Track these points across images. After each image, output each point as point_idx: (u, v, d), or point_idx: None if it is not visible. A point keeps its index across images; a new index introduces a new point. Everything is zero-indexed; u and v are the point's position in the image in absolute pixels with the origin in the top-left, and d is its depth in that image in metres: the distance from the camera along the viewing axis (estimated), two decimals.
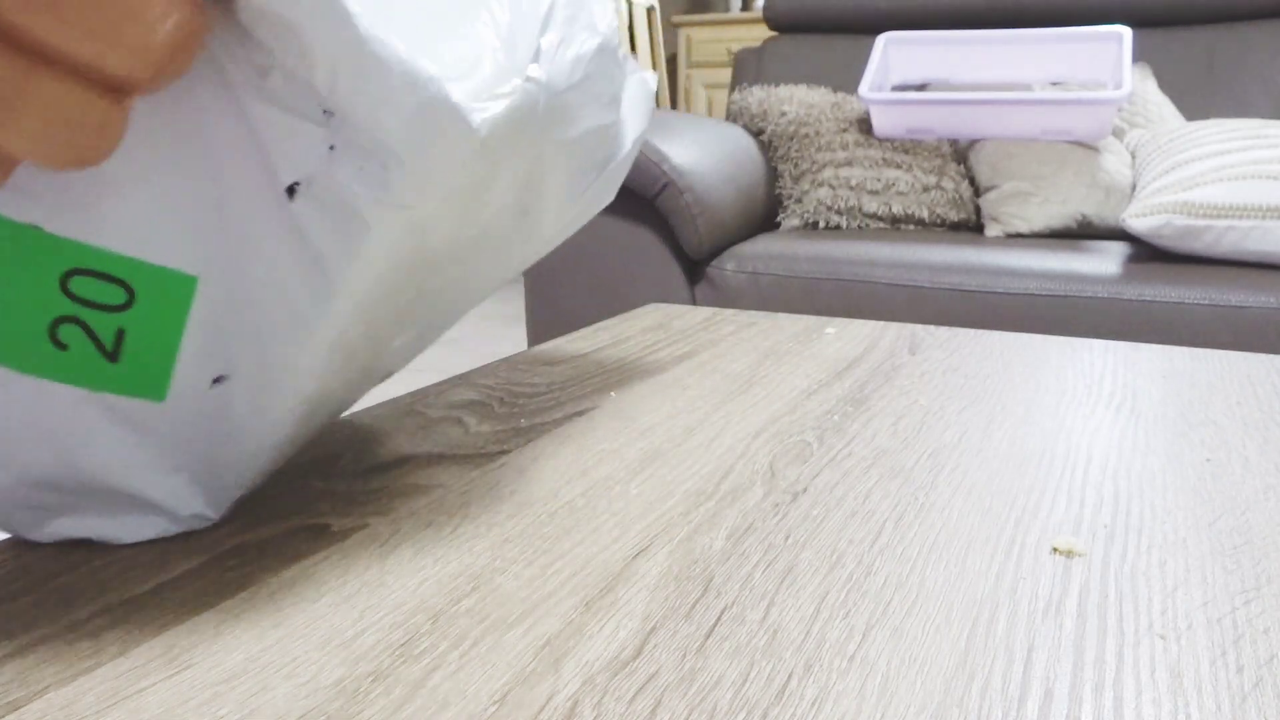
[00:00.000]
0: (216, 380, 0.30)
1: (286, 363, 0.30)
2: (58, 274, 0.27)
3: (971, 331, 0.63)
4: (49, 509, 0.30)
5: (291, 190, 0.27)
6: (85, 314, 0.28)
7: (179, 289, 0.28)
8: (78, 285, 0.27)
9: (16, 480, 0.29)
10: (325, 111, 0.27)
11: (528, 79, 0.31)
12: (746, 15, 3.80)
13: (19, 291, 0.27)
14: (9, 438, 0.29)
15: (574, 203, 0.39)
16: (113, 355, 0.28)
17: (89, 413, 0.29)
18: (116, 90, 0.23)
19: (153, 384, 0.29)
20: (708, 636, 0.25)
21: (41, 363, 0.28)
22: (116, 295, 0.28)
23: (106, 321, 0.28)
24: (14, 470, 0.29)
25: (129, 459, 0.30)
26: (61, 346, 0.28)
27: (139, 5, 0.22)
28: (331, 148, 0.27)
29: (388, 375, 0.37)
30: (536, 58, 0.32)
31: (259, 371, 0.30)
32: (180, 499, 0.31)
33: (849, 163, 1.71)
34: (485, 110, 0.29)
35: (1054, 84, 1.74)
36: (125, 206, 0.27)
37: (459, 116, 0.28)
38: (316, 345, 0.29)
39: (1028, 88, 1.73)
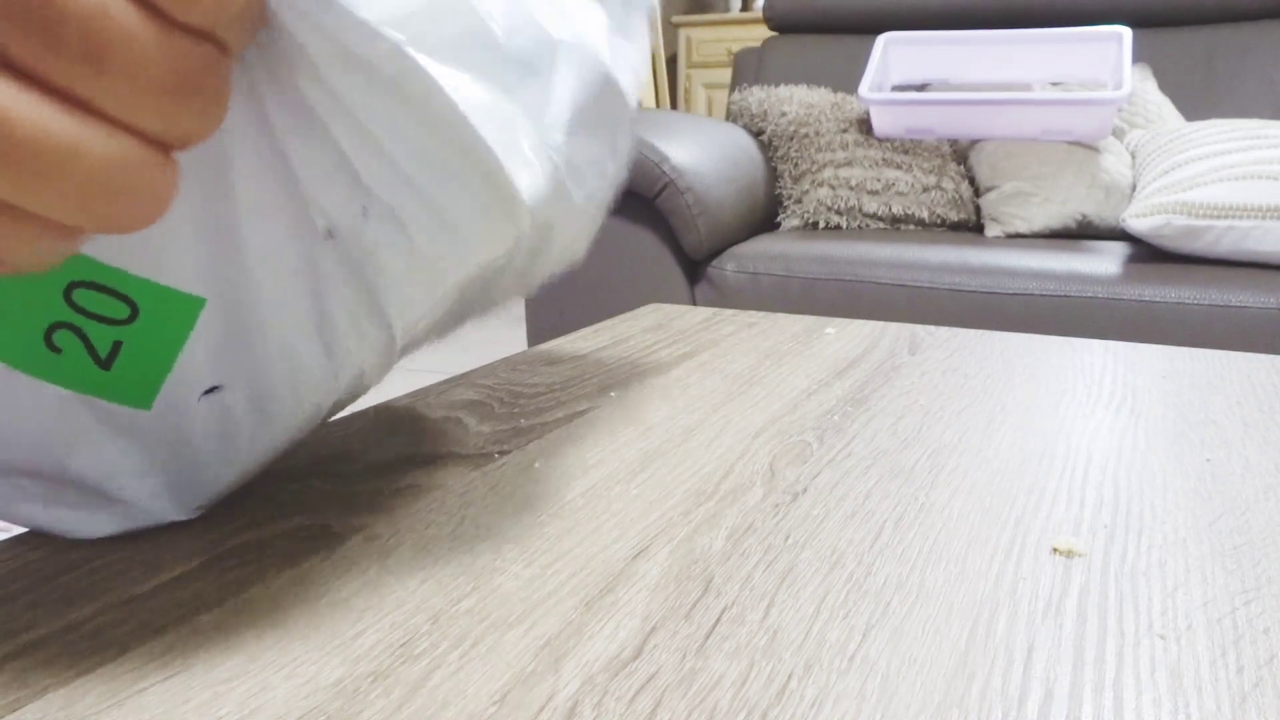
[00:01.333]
0: (208, 391, 0.30)
1: (284, 385, 0.30)
2: (62, 285, 0.27)
3: (971, 331, 0.63)
4: (22, 492, 0.30)
5: (329, 232, 0.28)
6: (84, 324, 0.28)
7: (185, 309, 0.28)
8: (81, 297, 0.27)
9: None
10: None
11: (553, 150, 0.29)
12: (746, 15, 3.80)
13: (20, 295, 0.27)
14: None
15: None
16: (105, 364, 0.28)
17: (78, 411, 0.29)
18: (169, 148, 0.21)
19: (141, 394, 0.29)
20: (708, 636, 0.25)
21: (33, 362, 0.28)
22: (119, 310, 0.28)
23: (105, 333, 0.28)
24: None
25: (112, 460, 0.30)
26: (55, 350, 0.28)
27: (200, 70, 0.20)
28: (365, 210, 0.27)
29: (378, 381, 0.37)
30: (562, 130, 0.30)
31: (255, 386, 0.30)
32: (153, 499, 0.31)
33: (849, 163, 1.71)
34: (532, 189, 0.28)
35: (1054, 84, 1.74)
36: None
37: (515, 199, 0.28)
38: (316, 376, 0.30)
39: (1028, 88, 1.73)
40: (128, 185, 0.20)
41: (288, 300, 0.29)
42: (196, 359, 0.29)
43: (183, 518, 0.32)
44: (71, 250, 0.21)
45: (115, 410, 0.29)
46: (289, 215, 0.27)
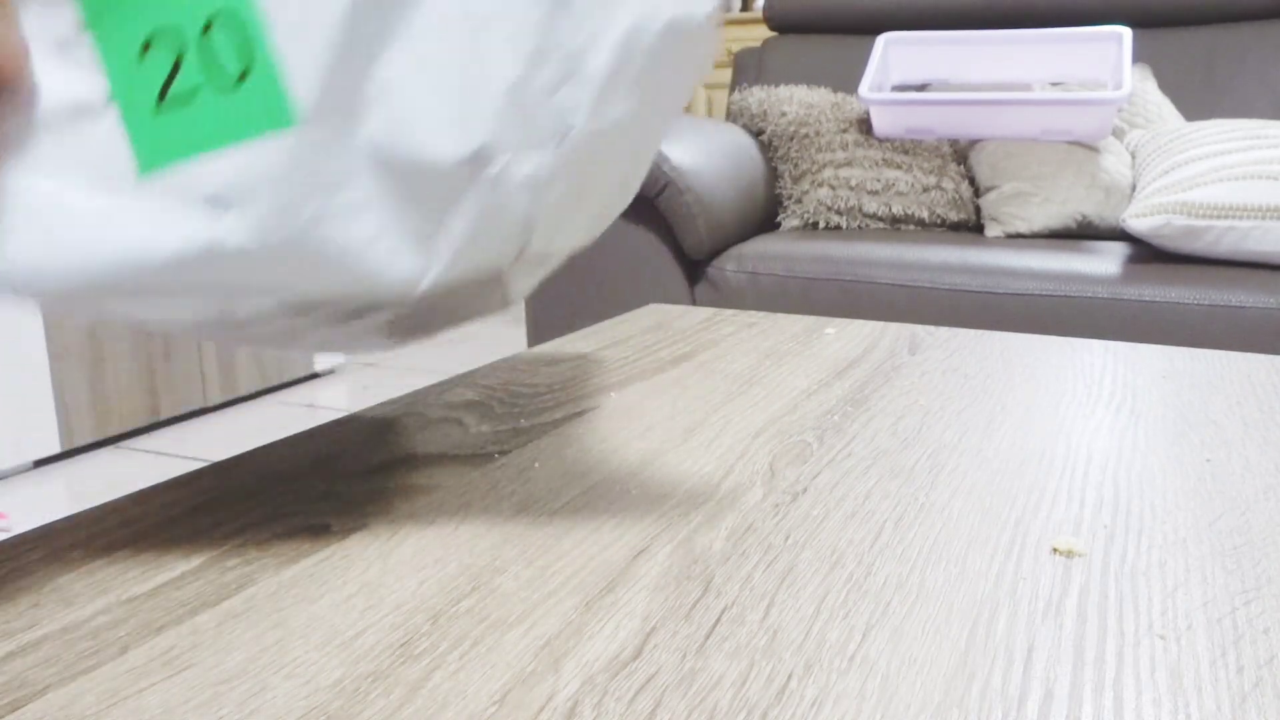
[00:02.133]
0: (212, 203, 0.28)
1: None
2: (210, 10, 0.26)
3: (971, 332, 0.63)
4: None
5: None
6: (192, 54, 0.26)
7: (271, 116, 0.27)
8: (218, 36, 0.26)
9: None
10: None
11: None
12: (746, 15, 3.80)
13: None
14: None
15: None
16: (163, 97, 0.27)
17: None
18: None
19: (151, 157, 0.27)
20: (708, 636, 0.25)
21: (114, 52, 0.26)
22: (235, 66, 0.26)
23: (194, 76, 0.26)
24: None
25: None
26: (140, 56, 0.26)
27: None
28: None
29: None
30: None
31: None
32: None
33: (849, 163, 1.71)
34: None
35: (1054, 84, 1.74)
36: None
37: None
38: None
39: (1028, 88, 1.73)
40: None
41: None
42: (220, 167, 0.27)
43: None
44: None
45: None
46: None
